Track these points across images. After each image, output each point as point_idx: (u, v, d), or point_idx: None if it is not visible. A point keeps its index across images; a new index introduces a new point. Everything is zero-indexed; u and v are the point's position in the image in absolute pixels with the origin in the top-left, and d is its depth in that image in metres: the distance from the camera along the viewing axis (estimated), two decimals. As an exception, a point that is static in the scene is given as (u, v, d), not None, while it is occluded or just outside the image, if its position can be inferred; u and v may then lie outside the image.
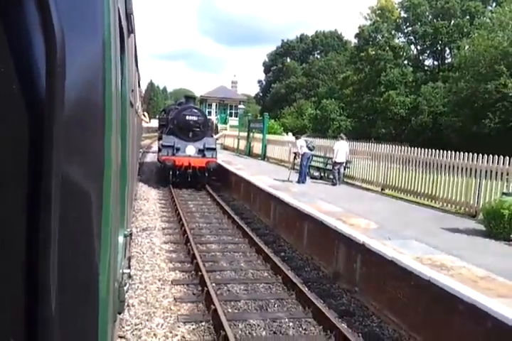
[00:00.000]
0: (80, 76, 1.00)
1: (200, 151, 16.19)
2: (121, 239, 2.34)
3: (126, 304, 5.15)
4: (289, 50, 77.72)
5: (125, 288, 2.12)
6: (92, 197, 1.10)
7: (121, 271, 2.15)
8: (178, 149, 15.91)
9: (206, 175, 16.04)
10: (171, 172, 15.72)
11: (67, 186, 0.87)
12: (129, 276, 2.38)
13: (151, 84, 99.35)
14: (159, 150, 17.52)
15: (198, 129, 16.49)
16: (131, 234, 3.05)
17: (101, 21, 1.13)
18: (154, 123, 40.45)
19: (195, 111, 17.06)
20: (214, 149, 16.64)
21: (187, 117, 16.41)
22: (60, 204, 0.82)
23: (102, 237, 1.18)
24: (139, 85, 9.97)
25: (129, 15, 2.73)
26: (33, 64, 0.81)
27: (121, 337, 5.01)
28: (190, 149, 16.09)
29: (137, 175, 12.69)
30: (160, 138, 18.54)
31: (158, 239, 9.37)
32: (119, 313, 2.08)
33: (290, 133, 35.63)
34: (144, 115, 17.18)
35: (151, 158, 27.19)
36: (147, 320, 5.57)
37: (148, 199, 13.98)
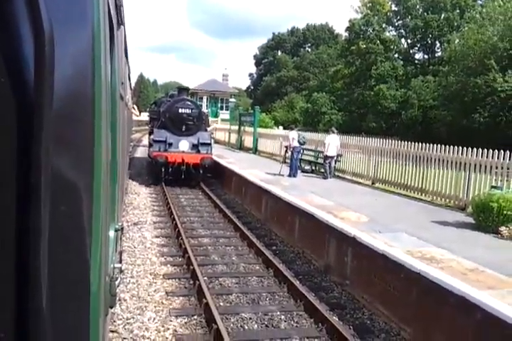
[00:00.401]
0: (69, 68, 0.98)
1: (195, 147, 15.25)
2: (112, 233, 2.33)
3: (117, 298, 5.15)
4: (280, 43, 77.55)
5: (116, 283, 2.11)
6: (82, 191, 1.08)
7: (112, 265, 2.14)
8: (170, 144, 14.98)
9: (201, 172, 15.08)
10: (163, 169, 14.74)
11: (56, 180, 0.86)
12: (121, 271, 2.37)
13: (141, 77, 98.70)
14: (150, 145, 16.53)
15: (191, 123, 15.46)
16: (122, 229, 3.03)
17: (90, 13, 1.11)
18: (144, 116, 40.20)
19: (189, 103, 15.94)
20: (209, 144, 15.56)
21: (180, 110, 15.36)
22: (50, 199, 0.80)
23: (92, 232, 1.17)
24: (129, 78, 9.89)
25: (118, 7, 2.70)
26: (21, 56, 0.79)
27: (113, 332, 5.00)
28: (184, 144, 15.16)
29: (127, 169, 12.61)
30: (151, 133, 17.40)
31: (150, 233, 9.35)
32: (111, 307, 2.07)
33: (281, 127, 35.62)
34: (133, 108, 16.99)
35: (141, 152, 27.05)
36: (139, 314, 5.57)
37: (139, 194, 13.92)
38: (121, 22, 3.10)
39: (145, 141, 31.38)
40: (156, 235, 9.21)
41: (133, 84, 26.99)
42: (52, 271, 0.83)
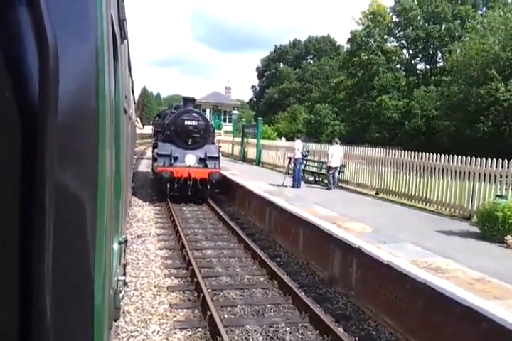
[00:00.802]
0: (74, 83, 1.00)
1: (202, 161, 14.49)
2: (116, 245, 2.33)
3: (121, 311, 5.11)
4: (282, 55, 77.99)
5: (120, 295, 2.11)
6: (87, 204, 1.09)
7: (116, 278, 2.14)
8: (176, 158, 14.21)
9: (208, 187, 14.28)
10: (168, 185, 13.94)
11: (61, 193, 0.87)
12: (125, 283, 2.37)
13: (144, 90, 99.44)
14: (154, 159, 15.85)
15: (198, 136, 14.79)
16: (126, 241, 3.04)
17: (94, 28, 1.13)
18: (148, 129, 40.38)
19: (195, 115, 15.18)
20: (217, 158, 14.78)
21: (186, 122, 14.67)
22: (54, 212, 0.81)
23: (96, 244, 1.18)
24: (133, 91, 9.98)
25: (122, 22, 2.74)
26: (26, 71, 0.81)
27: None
28: (190, 158, 14.39)
29: (131, 182, 12.64)
30: (155, 146, 16.54)
31: (153, 245, 9.34)
32: (115, 320, 2.07)
33: (283, 138, 35.69)
34: (137, 121, 16.88)
35: (145, 164, 27.11)
36: (143, 327, 5.54)
37: (143, 206, 13.93)
38: (124, 36, 3.15)
39: (149, 153, 31.46)
40: (159, 247, 9.20)
41: (136, 98, 27.14)
42: (56, 283, 0.84)
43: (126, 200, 5.74)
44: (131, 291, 6.64)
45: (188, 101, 16.08)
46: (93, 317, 1.17)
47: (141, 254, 8.63)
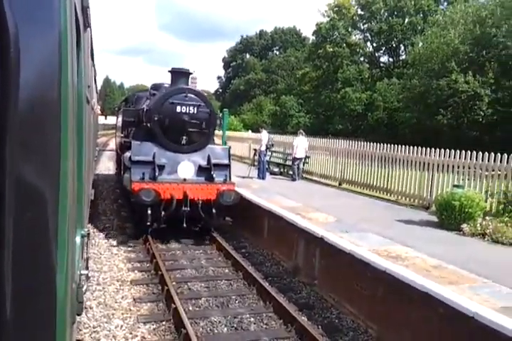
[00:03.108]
0: (35, 72, 0.98)
1: (203, 171, 9.27)
2: (78, 239, 2.31)
3: (84, 306, 5.05)
4: (248, 46, 77.67)
5: (83, 289, 2.09)
6: (48, 197, 1.08)
7: (78, 272, 2.12)
8: (162, 168, 8.97)
9: (214, 213, 8.88)
10: (149, 212, 8.38)
11: (22, 186, 0.86)
12: (87, 277, 2.35)
13: (107, 80, 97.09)
14: (124, 168, 9.95)
15: (197, 130, 9.35)
16: (88, 234, 2.98)
17: (57, 15, 1.10)
18: (111, 120, 39.48)
19: (193, 96, 9.42)
20: (227, 166, 9.57)
21: (178, 108, 9.17)
22: (15, 205, 0.81)
23: (58, 238, 1.16)
24: (95, 81, 9.73)
25: (85, 9, 2.67)
26: None
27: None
28: (186, 167, 9.15)
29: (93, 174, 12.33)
30: (125, 147, 10.32)
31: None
32: (78, 315, 2.05)
33: (250, 131, 35.69)
34: (99, 112, 16.03)
35: (108, 157, 26.53)
36: (106, 322, 5.48)
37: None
38: (87, 24, 3.07)
39: (112, 144, 30.80)
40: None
41: (99, 88, 26.45)
42: (17, 278, 0.83)
43: (88, 192, 5.63)
44: (94, 286, 6.55)
45: (180, 74, 9.84)
46: (55, 312, 1.17)
47: (104, 248, 8.49)
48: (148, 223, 8.45)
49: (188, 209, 8.46)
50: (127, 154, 9.26)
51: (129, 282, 6.83)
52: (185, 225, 8.58)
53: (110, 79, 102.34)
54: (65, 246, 1.24)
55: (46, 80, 1.06)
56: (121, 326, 5.39)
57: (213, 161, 9.28)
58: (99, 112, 16.81)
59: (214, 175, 9.07)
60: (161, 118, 9.16)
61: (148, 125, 9.33)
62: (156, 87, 10.97)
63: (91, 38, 4.61)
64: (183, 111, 9.16)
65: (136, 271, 7.32)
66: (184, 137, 9.24)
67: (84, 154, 3.11)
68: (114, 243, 8.84)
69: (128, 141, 10.09)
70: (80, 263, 2.19)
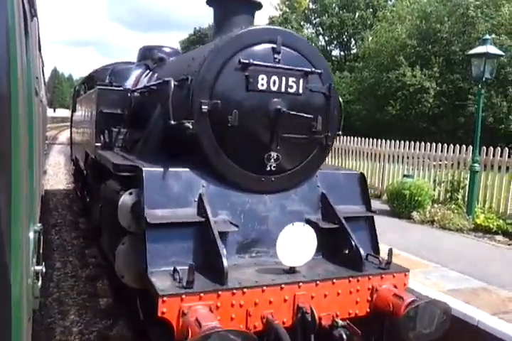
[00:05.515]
0: None
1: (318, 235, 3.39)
2: (31, 234, 2.25)
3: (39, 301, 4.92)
4: (201, 38, 76.74)
5: (39, 285, 2.05)
6: (1, 193, 1.06)
7: (33, 267, 2.07)
8: (224, 237, 3.33)
9: None
10: None
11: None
12: (42, 273, 2.30)
13: (55, 72, 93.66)
14: (110, 230, 3.85)
15: (300, 137, 3.90)
16: (41, 230, 2.90)
17: (3, 4, 1.07)
18: (60, 112, 38.24)
19: (293, 53, 3.86)
20: (370, 220, 4.51)
21: (261, 81, 3.58)
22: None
23: (11, 233, 1.14)
24: (43, 72, 9.37)
25: None
26: None
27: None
28: (296, 237, 3.20)
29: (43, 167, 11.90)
30: (102, 169, 4.49)
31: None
32: (34, 311, 2.01)
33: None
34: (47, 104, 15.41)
35: (58, 152, 25.63)
36: (61, 319, 5.35)
37: None
38: (34, 14, 2.96)
39: (61, 137, 29.79)
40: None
41: (46, 79, 25.49)
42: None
43: (39, 187, 5.45)
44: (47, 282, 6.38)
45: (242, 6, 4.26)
46: (11, 307, 1.14)
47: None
48: None
49: None
50: (127, 200, 3.37)
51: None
52: None
53: (58, 70, 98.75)
54: (18, 242, 1.22)
55: None
56: (77, 322, 5.29)
57: (343, 209, 4.14)
58: (49, 105, 16.18)
59: (356, 247, 3.74)
60: (219, 107, 3.51)
61: (186, 125, 3.44)
62: (160, 51, 6.55)
63: (38, 28, 4.44)
64: (272, 88, 3.65)
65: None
66: (273, 154, 3.76)
67: (35, 147, 3.01)
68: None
69: (113, 156, 4.27)
70: (34, 259, 2.14)
